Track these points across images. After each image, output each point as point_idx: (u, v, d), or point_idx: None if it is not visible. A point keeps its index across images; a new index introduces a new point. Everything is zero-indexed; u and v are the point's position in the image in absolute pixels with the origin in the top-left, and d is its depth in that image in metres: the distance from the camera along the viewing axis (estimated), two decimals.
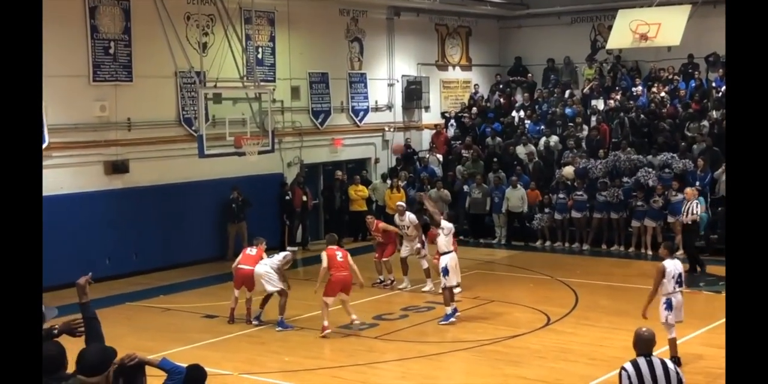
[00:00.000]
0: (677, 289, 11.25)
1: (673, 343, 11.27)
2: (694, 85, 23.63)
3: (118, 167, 17.97)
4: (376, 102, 24.06)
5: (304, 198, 20.78)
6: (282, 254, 14.43)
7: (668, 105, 22.91)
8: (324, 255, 13.64)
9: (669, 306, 11.10)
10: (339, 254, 13.68)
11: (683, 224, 17.91)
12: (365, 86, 23.73)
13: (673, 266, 11.24)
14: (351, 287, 13.74)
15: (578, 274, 17.56)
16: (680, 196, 19.07)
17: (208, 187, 19.30)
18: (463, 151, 23.89)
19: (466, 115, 25.55)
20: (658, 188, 19.82)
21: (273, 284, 13.82)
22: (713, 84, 23.06)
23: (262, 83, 19.36)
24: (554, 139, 23.22)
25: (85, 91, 17.49)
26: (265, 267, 13.89)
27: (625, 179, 20.52)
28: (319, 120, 22.47)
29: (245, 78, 18.77)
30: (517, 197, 21.26)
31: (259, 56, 20.64)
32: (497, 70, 27.44)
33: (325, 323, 13.30)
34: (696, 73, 23.95)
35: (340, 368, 11.80)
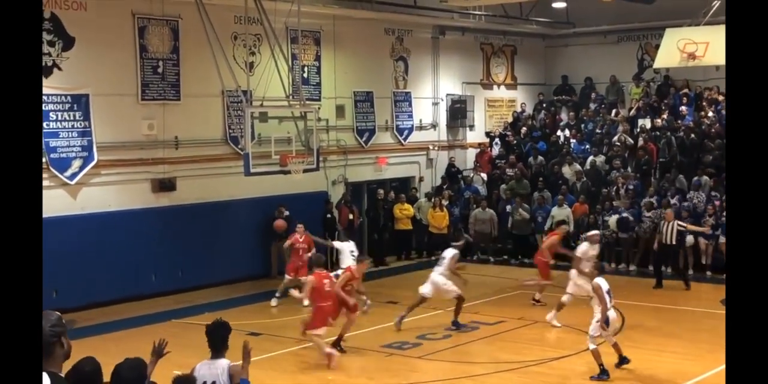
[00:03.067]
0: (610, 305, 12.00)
1: (596, 352, 11.97)
2: None
3: (165, 185, 18.15)
4: (421, 121, 24.08)
5: (351, 216, 20.79)
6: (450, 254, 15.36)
7: (716, 125, 22.65)
8: (309, 282, 12.96)
9: (608, 321, 11.92)
10: (327, 282, 12.86)
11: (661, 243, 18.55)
12: (410, 105, 23.76)
13: (603, 283, 12.04)
14: (338, 314, 13.21)
15: (625, 294, 17.33)
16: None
17: (252, 204, 19.41)
18: (507, 170, 23.82)
19: (509, 133, 25.48)
20: (709, 209, 19.57)
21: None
22: None
23: (307, 102, 19.48)
24: (601, 158, 23.06)
25: (134, 109, 17.72)
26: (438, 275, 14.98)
27: (673, 201, 20.27)
28: (364, 138, 22.53)
29: (291, 97, 18.87)
30: (563, 216, 21.08)
31: (305, 75, 20.77)
32: (542, 89, 27.36)
33: (327, 350, 12.79)
34: None
35: None
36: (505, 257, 22.01)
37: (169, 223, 18.04)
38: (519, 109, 26.64)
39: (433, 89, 24.47)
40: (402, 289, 18.74)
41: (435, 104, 24.52)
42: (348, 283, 13.42)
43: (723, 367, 11.25)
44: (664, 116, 23.59)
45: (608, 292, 11.96)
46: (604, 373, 11.86)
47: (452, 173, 24.51)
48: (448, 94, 24.74)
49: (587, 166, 22.99)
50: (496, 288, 18.67)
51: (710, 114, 23.08)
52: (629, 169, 22.53)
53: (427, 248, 22.32)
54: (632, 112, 24.65)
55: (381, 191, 22.25)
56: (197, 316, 15.99)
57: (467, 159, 25.47)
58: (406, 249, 22.52)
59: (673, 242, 18.40)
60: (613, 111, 25.02)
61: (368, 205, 22.44)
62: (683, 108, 23.76)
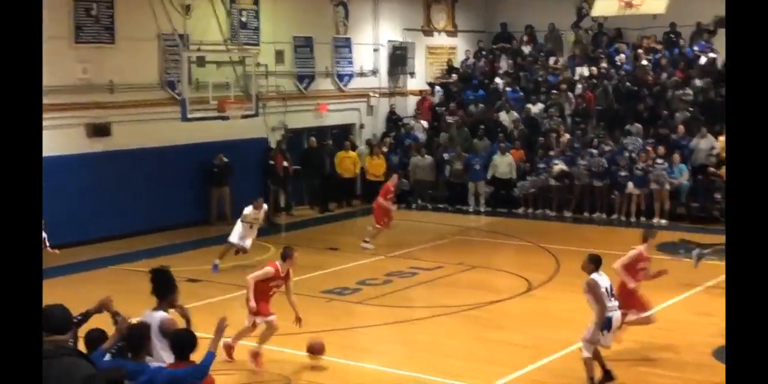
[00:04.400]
0: (614, 304, 9.61)
1: (589, 362, 9.59)
2: (677, 53, 23.58)
3: (99, 130, 17.80)
4: (361, 67, 23.88)
5: (285, 164, 20.63)
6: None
7: (651, 73, 22.89)
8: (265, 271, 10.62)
9: (609, 325, 9.51)
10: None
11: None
12: (350, 51, 23.53)
13: (601, 279, 9.57)
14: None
15: (560, 240, 17.60)
16: (665, 164, 19.33)
17: (191, 151, 19.14)
18: (447, 117, 23.85)
19: (450, 81, 25.46)
20: (642, 156, 19.88)
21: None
22: (697, 52, 23.05)
23: (245, 47, 19.20)
24: (538, 106, 23.21)
25: (68, 52, 17.25)
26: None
27: (608, 148, 20.55)
28: (304, 85, 22.30)
29: (229, 41, 18.57)
30: (505, 164, 21.26)
31: (243, 19, 20.39)
32: (482, 36, 27.28)
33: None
34: (680, 41, 23.89)
35: (323, 332, 11.82)
36: (440, 205, 22.13)
37: (105, 168, 17.74)
38: (463, 57, 26.57)
39: (373, 35, 24.23)
40: (343, 235, 18.82)
41: (375, 50, 24.31)
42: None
43: (655, 307, 11.54)
44: (603, 64, 23.75)
45: (609, 290, 9.59)
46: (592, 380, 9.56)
47: (393, 120, 24.46)
48: (389, 41, 24.53)
49: (524, 114, 23.12)
50: (434, 234, 18.81)
51: (645, 62, 23.29)
52: (567, 117, 22.75)
53: (368, 195, 22.35)
54: (567, 60, 24.80)
55: (313, 139, 22.05)
56: (136, 262, 15.86)
57: (408, 106, 25.40)
58: (349, 196, 22.49)
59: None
60: (552, 59, 25.11)
61: (309, 152, 22.30)
62: (622, 56, 23.93)
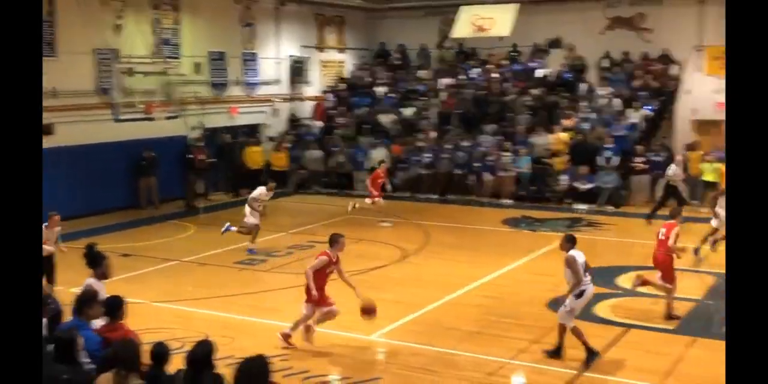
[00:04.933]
0: (589, 278, 8.99)
1: (577, 330, 8.89)
2: (518, 67, 24.15)
3: (45, 130, 17.08)
4: (266, 77, 23.60)
5: (202, 157, 20.24)
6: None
7: (499, 84, 23.39)
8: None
9: (581, 295, 8.90)
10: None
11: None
12: (257, 64, 23.22)
13: (578, 255, 8.91)
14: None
15: (429, 217, 17.89)
16: (511, 156, 19.89)
17: (122, 147, 18.59)
18: (338, 118, 23.85)
19: (340, 89, 25.45)
20: (493, 150, 20.34)
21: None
22: (533, 67, 23.67)
23: (168, 60, 18.74)
24: (410, 110, 23.45)
25: None
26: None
27: (466, 144, 20.93)
28: (218, 91, 21.91)
29: (154, 55, 18.08)
30: (381, 156, 21.38)
31: (166, 37, 19.85)
32: (366, 53, 27.32)
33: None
34: (521, 58, 24.47)
35: (236, 296, 11.74)
36: (333, 190, 22.13)
37: (50, 163, 16.96)
38: (351, 69, 26.57)
39: (276, 51, 23.96)
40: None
41: (278, 63, 24.04)
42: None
43: (503, 269, 11.87)
44: (462, 76, 24.13)
45: (584, 265, 8.91)
46: (592, 354, 8.84)
47: (293, 121, 24.30)
48: (289, 56, 24.30)
49: (399, 116, 23.31)
50: (327, 215, 18.84)
51: (494, 75, 23.78)
52: (433, 119, 23.05)
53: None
54: (430, 74, 25.10)
55: (227, 135, 21.77)
56: (74, 240, 15.32)
57: (305, 109, 25.24)
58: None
59: None
60: (421, 72, 25.36)
61: (223, 147, 21.93)
62: (475, 70, 24.35)
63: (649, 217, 16.54)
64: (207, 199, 20.52)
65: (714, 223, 13.52)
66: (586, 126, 20.64)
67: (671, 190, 16.97)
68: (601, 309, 10.90)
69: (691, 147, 19.77)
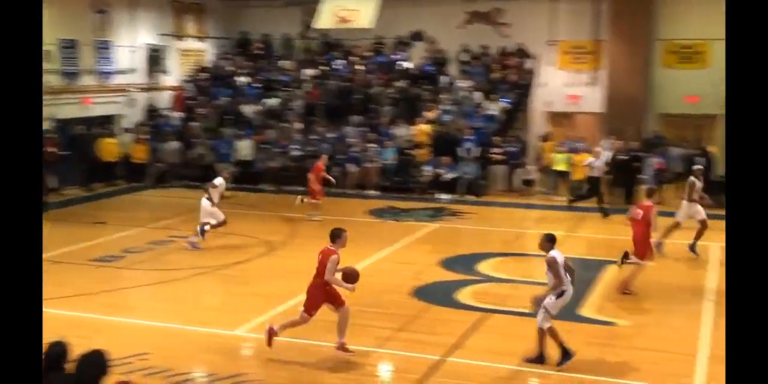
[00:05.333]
0: (569, 279, 8.65)
1: (553, 330, 8.63)
2: (382, 59, 24.42)
3: None
4: (122, 66, 22.68)
5: (54, 149, 19.21)
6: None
7: (363, 75, 23.56)
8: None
9: (561, 295, 8.56)
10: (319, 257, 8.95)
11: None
12: (111, 51, 22.26)
13: (559, 256, 8.56)
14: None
15: (297, 209, 17.79)
16: (377, 147, 20.10)
17: None
18: (198, 109, 23.27)
19: (200, 79, 24.84)
20: (358, 141, 20.47)
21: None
22: (396, 59, 24.01)
23: None
24: (274, 100, 23.22)
25: None
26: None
27: (331, 135, 20.98)
28: (70, 80, 20.84)
29: None
30: (245, 147, 21.11)
31: None
32: (227, 42, 26.78)
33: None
34: (384, 50, 24.75)
35: (91, 295, 11.27)
36: (195, 183, 21.58)
37: None
38: (212, 58, 25.95)
39: (132, 38, 23.06)
40: (109, 211, 17.94)
41: (133, 52, 23.14)
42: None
43: (368, 260, 11.98)
44: (326, 67, 24.12)
45: (564, 266, 8.58)
46: (567, 354, 8.56)
47: (151, 111, 23.49)
48: (146, 44, 23.45)
49: (263, 106, 23.04)
50: (188, 208, 18.32)
51: (359, 66, 23.94)
52: (298, 110, 22.93)
53: (130, 176, 21.42)
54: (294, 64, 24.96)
55: (80, 127, 20.79)
56: None
57: (164, 100, 24.46)
58: (112, 177, 21.38)
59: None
60: (284, 62, 25.14)
61: (76, 139, 20.91)
62: (339, 61, 24.41)
63: (603, 212, 16.98)
64: (60, 194, 19.54)
65: (680, 215, 13.66)
66: (447, 118, 21.17)
67: (594, 181, 17.40)
68: (463, 295, 11.25)
69: (544, 138, 20.73)
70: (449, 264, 12.99)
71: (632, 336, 9.58)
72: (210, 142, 21.45)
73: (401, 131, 20.96)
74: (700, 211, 13.54)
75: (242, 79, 24.50)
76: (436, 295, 11.29)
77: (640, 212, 11.16)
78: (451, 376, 8.37)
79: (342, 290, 8.94)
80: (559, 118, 23.37)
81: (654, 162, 18.78)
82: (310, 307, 8.80)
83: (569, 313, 10.44)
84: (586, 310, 10.62)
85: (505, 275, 12.39)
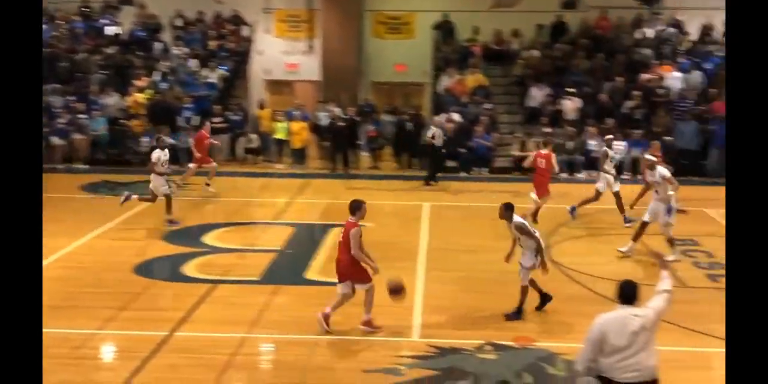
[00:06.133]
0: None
1: (526, 289, 9.11)
2: (88, 25, 22.83)
3: None
4: None
5: None
6: None
7: (68, 41, 21.93)
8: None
9: (539, 251, 9.01)
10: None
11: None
12: None
13: (524, 219, 9.16)
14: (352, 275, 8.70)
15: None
16: (86, 118, 18.91)
17: None
18: None
19: None
20: (63, 111, 19.14)
21: None
22: (104, 24, 22.63)
23: None
24: None
25: None
26: None
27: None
28: None
29: None
30: None
31: None
32: None
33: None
34: (90, 14, 23.16)
35: None
36: None
37: None
38: None
39: None
40: None
41: None
42: None
43: (85, 238, 11.23)
44: None
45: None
46: (520, 312, 9.06)
47: None
48: None
49: None
50: None
51: (63, 31, 22.19)
52: None
53: None
54: None
55: None
56: None
57: None
58: None
59: None
60: None
61: None
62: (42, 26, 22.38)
63: (429, 179, 17.20)
64: None
65: (600, 186, 13.73)
66: (164, 86, 20.43)
67: (433, 151, 17.48)
68: (188, 268, 11.05)
69: (260, 105, 20.79)
70: (173, 238, 12.67)
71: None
72: None
73: (112, 100, 19.87)
74: (610, 180, 13.68)
75: None
76: (161, 270, 10.98)
77: (543, 161, 13.24)
78: (179, 351, 8.22)
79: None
80: (278, 85, 23.60)
81: (368, 129, 19.70)
82: (365, 275, 8.58)
83: (296, 277, 10.73)
84: (312, 273, 10.96)
85: (231, 245, 12.37)
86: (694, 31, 21.88)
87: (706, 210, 14.29)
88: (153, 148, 14.06)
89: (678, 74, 20.07)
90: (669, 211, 11.25)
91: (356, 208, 8.55)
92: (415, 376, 7.62)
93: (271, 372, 8.00)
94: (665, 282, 5.90)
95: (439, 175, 17.74)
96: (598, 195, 13.70)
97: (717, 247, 12.00)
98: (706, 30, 21.73)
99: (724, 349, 7.70)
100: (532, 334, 8.69)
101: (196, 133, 16.72)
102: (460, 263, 11.35)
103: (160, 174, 13.39)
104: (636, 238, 11.59)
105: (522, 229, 8.91)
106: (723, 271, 11.00)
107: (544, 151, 13.47)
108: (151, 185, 13.45)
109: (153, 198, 13.51)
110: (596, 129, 18.45)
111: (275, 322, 9.02)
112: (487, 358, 8.05)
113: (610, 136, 14.35)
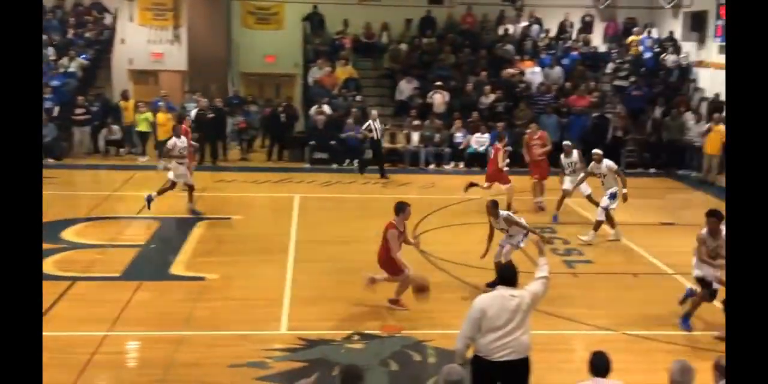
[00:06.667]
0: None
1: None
2: None
3: None
4: None
5: None
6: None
7: None
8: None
9: (526, 234, 9.70)
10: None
11: None
12: None
13: (509, 212, 10.30)
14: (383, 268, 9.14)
15: None
16: None
17: None
18: None
19: None
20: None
21: None
22: None
23: None
24: None
25: None
26: None
27: None
28: None
29: None
30: None
31: None
32: None
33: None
34: None
35: None
36: None
37: None
38: None
39: None
40: None
41: None
42: None
43: None
44: None
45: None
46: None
47: None
48: None
49: None
50: None
51: None
52: None
53: None
54: None
55: None
56: None
57: None
58: None
59: None
60: None
61: None
62: None
63: (382, 172, 17.26)
64: None
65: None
66: None
67: (373, 144, 17.55)
68: (47, 266, 10.55)
69: (123, 96, 19.88)
70: None
71: (222, 288, 9.93)
72: None
73: None
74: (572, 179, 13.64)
75: None
76: None
77: (493, 152, 14.41)
78: None
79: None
80: (143, 75, 22.85)
81: (237, 120, 19.42)
82: (398, 271, 8.86)
83: (160, 273, 10.47)
84: (177, 268, 10.72)
85: (91, 241, 11.91)
86: (553, 28, 22.85)
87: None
88: None
89: (538, 69, 20.92)
90: (613, 197, 12.07)
91: (400, 209, 8.83)
92: (282, 369, 7.61)
93: (134, 370, 7.79)
94: (543, 269, 6.23)
95: (333, 166, 18.33)
96: (566, 192, 13.58)
97: (573, 233, 12.65)
98: (564, 27, 22.77)
99: (580, 331, 8.35)
100: (399, 322, 8.86)
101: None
102: (329, 254, 11.40)
103: (180, 163, 13.37)
104: (611, 223, 12.36)
105: (510, 221, 9.64)
106: (579, 258, 11.61)
107: (498, 145, 14.47)
108: (172, 174, 13.31)
109: (172, 185, 13.40)
110: (461, 122, 19.03)
111: (138, 319, 8.78)
112: (355, 347, 8.15)
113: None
